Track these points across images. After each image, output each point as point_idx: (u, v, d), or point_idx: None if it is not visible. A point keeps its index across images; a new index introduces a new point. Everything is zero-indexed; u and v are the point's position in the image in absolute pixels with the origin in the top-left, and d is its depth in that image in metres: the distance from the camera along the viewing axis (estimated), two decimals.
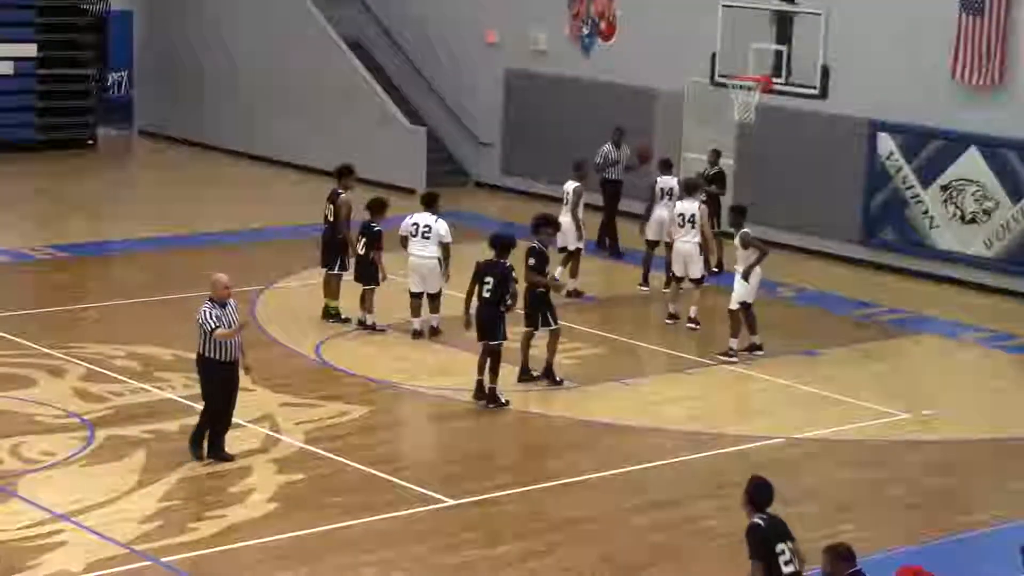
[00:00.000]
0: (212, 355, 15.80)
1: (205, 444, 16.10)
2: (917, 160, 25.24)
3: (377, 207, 20.73)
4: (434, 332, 20.77)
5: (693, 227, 21.43)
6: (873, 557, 14.01)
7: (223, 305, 15.84)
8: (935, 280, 25.06)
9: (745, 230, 20.10)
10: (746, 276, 20.00)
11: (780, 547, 11.88)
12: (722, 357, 20.10)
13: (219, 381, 15.89)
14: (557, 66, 29.94)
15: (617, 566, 14.11)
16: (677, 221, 21.59)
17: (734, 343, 20.11)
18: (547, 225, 19.17)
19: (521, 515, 15.17)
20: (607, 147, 26.02)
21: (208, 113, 34.57)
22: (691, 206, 21.54)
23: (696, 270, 21.62)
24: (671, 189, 23.64)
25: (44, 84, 33.72)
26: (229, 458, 15.98)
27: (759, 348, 20.32)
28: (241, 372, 16.13)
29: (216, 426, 16.05)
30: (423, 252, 20.65)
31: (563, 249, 22.65)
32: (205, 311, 15.76)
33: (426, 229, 20.67)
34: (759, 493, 12.10)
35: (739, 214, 20.49)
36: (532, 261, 18.67)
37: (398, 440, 17.33)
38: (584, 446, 17.36)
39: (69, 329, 20.80)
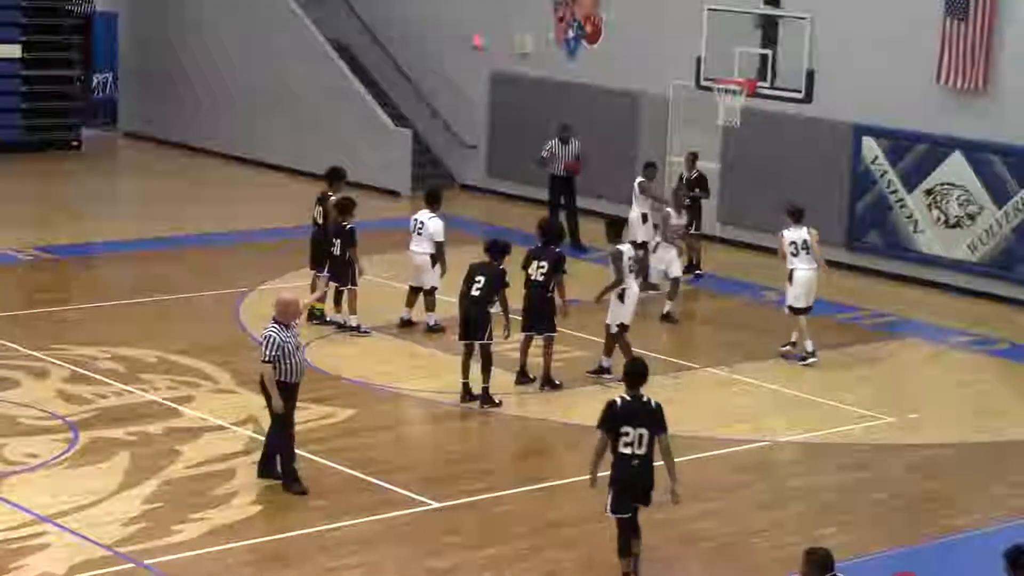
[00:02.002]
0: (281, 377, 15.17)
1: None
2: (902, 164, 25.29)
3: (346, 207, 20.73)
4: (432, 330, 20.84)
5: (808, 253, 20.47)
6: (856, 560, 14.05)
7: (288, 327, 15.26)
8: (919, 284, 25.11)
9: (617, 247, 19.31)
10: (621, 297, 19.23)
11: (626, 428, 13.06)
12: (600, 376, 19.27)
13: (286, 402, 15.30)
14: (542, 69, 29.96)
15: (600, 569, 14.10)
16: (789, 250, 20.54)
17: (606, 361, 19.32)
18: (561, 233, 19.92)
19: (505, 518, 15.16)
20: (553, 143, 26.37)
21: (192, 114, 34.52)
22: (800, 233, 20.50)
23: (810, 298, 20.60)
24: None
25: (29, 85, 33.66)
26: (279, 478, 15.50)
27: (608, 371, 19.24)
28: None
29: (278, 448, 15.52)
30: (416, 248, 21.04)
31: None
32: (272, 336, 15.11)
33: (420, 226, 20.99)
34: (628, 373, 13.40)
35: (615, 229, 19.65)
36: (566, 269, 18.94)
37: (382, 443, 17.31)
38: (568, 449, 17.36)
39: (53, 331, 20.75)
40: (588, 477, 13.45)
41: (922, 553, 14.85)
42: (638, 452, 13.12)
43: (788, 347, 20.74)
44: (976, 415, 19.21)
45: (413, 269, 21.14)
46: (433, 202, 21.31)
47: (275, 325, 15.22)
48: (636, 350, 19.93)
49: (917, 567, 14.64)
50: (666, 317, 22.12)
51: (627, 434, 13.12)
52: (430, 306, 20.99)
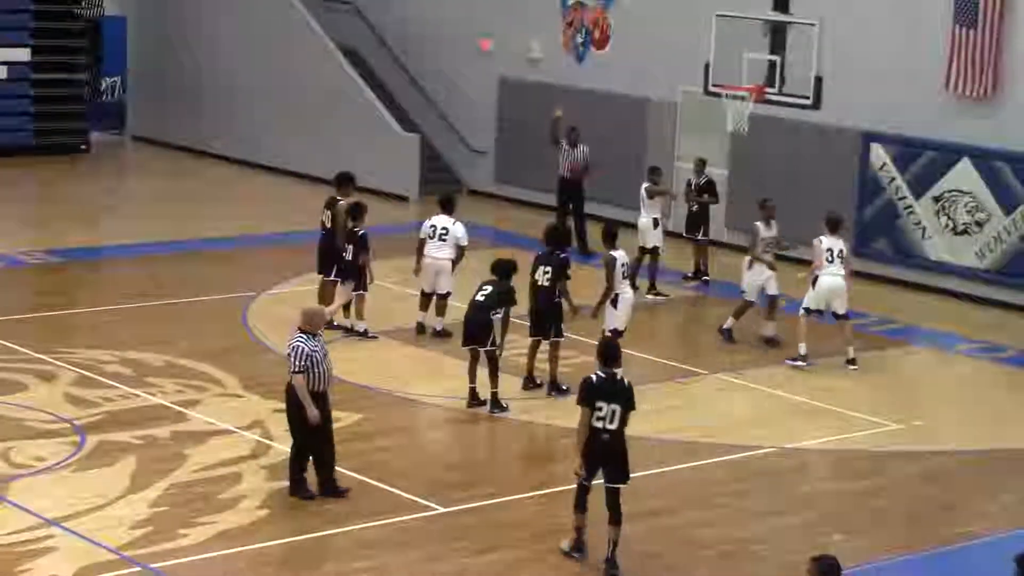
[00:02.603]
0: (309, 386, 15.03)
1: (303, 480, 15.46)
2: (910, 171, 25.28)
3: (358, 212, 20.77)
4: (438, 335, 20.88)
5: (843, 262, 20.59)
6: (864, 567, 14.04)
7: (314, 336, 15.18)
8: (927, 291, 25.09)
9: (611, 253, 19.13)
10: (615, 303, 19.16)
11: (600, 404, 13.93)
12: None
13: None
14: (551, 74, 29.97)
15: (607, 575, 14.09)
16: (825, 256, 20.50)
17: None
18: (566, 238, 19.71)
19: (512, 523, 15.16)
20: (562, 143, 26.51)
21: (201, 119, 34.55)
22: (838, 242, 20.66)
23: (841, 305, 20.68)
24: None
25: (37, 88, 33.70)
26: (343, 492, 15.34)
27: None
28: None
29: (320, 462, 15.36)
30: (438, 254, 20.98)
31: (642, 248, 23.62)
32: (299, 346, 15.02)
33: (443, 231, 21.02)
34: (603, 352, 14.35)
35: (611, 235, 19.47)
36: (570, 274, 18.88)
37: (389, 447, 17.31)
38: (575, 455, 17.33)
39: (60, 334, 20.78)
40: (578, 463, 14.06)
41: (929, 560, 14.83)
42: (609, 427, 13.93)
43: (849, 361, 20.63)
44: (983, 422, 19.20)
45: (432, 274, 21.06)
46: (450, 207, 21.33)
47: (301, 335, 15.14)
48: (645, 356, 19.96)
49: (923, 574, 14.62)
50: (770, 341, 21.43)
51: (600, 409, 13.91)
52: (441, 311, 21.01)
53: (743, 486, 16.58)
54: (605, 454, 14.02)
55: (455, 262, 20.97)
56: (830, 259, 20.57)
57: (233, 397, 18.39)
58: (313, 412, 15.03)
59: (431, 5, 32.03)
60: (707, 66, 24.79)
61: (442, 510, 15.31)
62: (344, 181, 21.51)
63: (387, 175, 30.47)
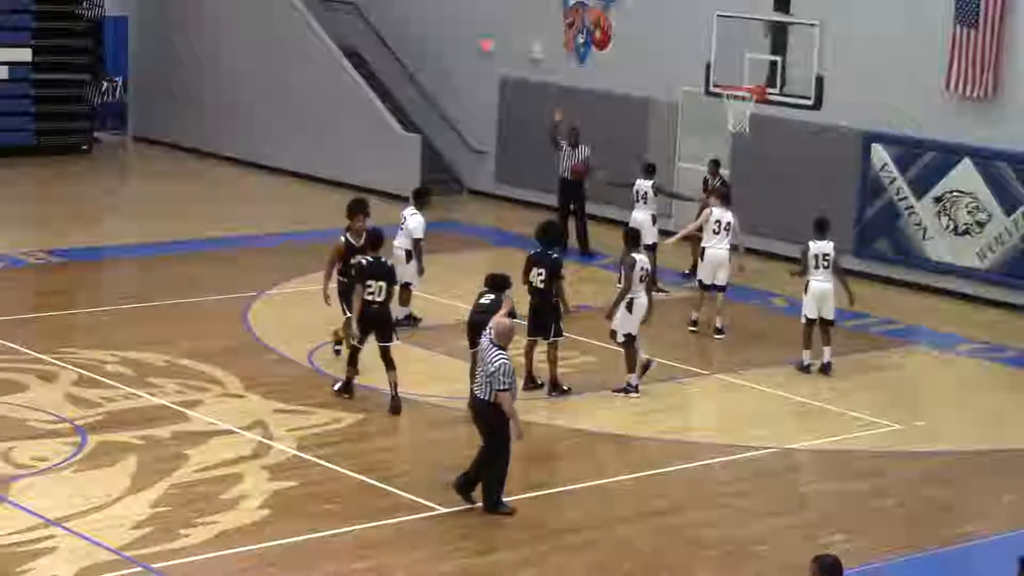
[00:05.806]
0: None
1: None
2: (911, 171, 25.27)
3: (359, 208, 20.65)
4: (400, 323, 20.09)
5: (728, 234, 21.84)
6: (865, 568, 14.04)
7: (505, 350, 15.07)
8: (928, 291, 25.09)
9: (632, 255, 19.03)
10: (629, 307, 19.00)
11: (370, 282, 17.77)
12: (627, 394, 19.01)
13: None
14: (552, 75, 29.97)
15: (609, 575, 14.10)
16: (712, 228, 21.83)
17: (632, 378, 19.10)
18: (559, 237, 19.87)
19: (514, 524, 15.14)
20: (562, 143, 26.51)
21: (202, 119, 34.55)
22: (726, 214, 21.91)
23: (723, 276, 21.90)
24: (645, 193, 24.32)
25: (39, 89, 33.71)
26: (511, 511, 15.20)
27: (635, 389, 19.08)
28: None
29: (496, 475, 15.19)
30: (396, 243, 21.27)
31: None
32: (507, 363, 14.82)
33: (403, 221, 21.30)
34: (371, 241, 18.24)
35: (632, 238, 19.51)
36: (564, 274, 18.91)
37: (390, 447, 17.33)
38: (577, 455, 17.36)
39: (61, 334, 20.77)
40: (356, 328, 17.87)
41: (929, 560, 14.83)
42: (377, 299, 17.80)
43: (716, 331, 21.87)
44: (984, 422, 19.20)
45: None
46: (417, 199, 21.54)
47: (501, 351, 14.98)
48: (646, 357, 19.94)
49: (923, 574, 14.62)
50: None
51: (370, 286, 17.75)
52: (403, 300, 20.93)
53: (744, 486, 16.58)
54: (375, 321, 17.77)
55: (413, 253, 21.00)
56: (717, 231, 21.83)
57: (234, 397, 18.38)
58: (519, 428, 14.97)
59: (432, 5, 32.04)
60: (708, 66, 24.74)
61: (443, 510, 15.30)
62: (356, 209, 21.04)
63: (387, 175, 30.46)
